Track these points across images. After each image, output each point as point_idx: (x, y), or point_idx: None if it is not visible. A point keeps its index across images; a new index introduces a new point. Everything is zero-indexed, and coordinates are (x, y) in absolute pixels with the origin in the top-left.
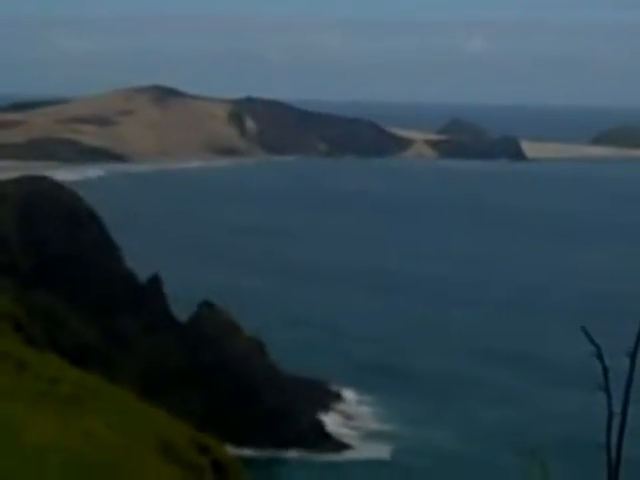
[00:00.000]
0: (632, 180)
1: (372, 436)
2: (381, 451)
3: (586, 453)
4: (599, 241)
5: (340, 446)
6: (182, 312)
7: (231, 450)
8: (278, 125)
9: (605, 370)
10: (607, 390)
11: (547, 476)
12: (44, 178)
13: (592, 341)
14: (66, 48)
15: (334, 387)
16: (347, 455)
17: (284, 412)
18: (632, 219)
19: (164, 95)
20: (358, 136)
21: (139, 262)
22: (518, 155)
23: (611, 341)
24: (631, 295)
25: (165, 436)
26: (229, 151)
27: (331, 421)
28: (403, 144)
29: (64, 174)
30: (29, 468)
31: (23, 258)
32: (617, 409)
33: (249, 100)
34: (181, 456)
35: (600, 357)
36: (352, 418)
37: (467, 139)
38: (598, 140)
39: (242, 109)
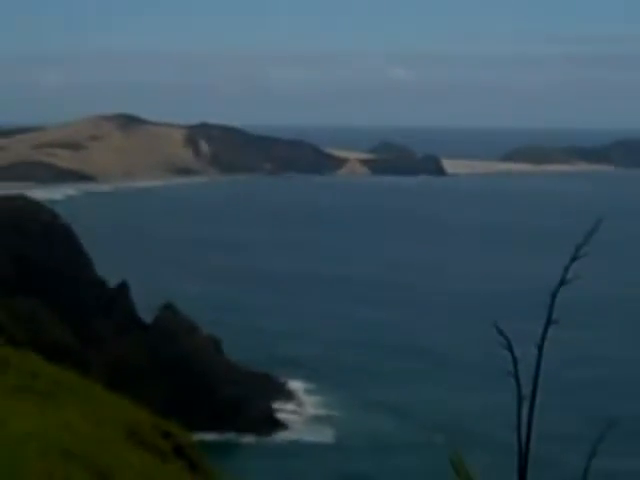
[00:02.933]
0: (536, 192)
1: (314, 420)
2: (323, 434)
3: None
4: (503, 245)
5: (287, 430)
6: (146, 314)
7: (191, 435)
8: (228, 147)
9: (514, 360)
10: (516, 378)
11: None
12: (23, 197)
13: (503, 334)
14: (40, 81)
15: (283, 377)
16: (292, 437)
17: (238, 401)
18: (532, 227)
19: (128, 122)
20: (299, 156)
21: (107, 270)
22: (439, 171)
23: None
24: (526, 293)
25: (131, 423)
26: (185, 171)
27: (279, 408)
28: (339, 163)
29: (41, 193)
30: (12, 454)
31: (5, 268)
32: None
33: (203, 125)
34: (146, 441)
35: (510, 349)
36: (298, 405)
37: (394, 158)
38: (508, 157)
39: (197, 133)
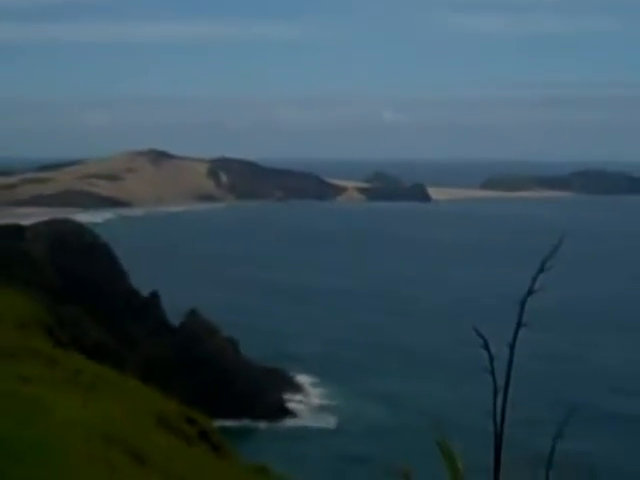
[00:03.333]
0: (506, 215)
1: (319, 409)
2: (325, 420)
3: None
4: (478, 260)
5: (295, 417)
6: (174, 318)
7: (213, 422)
8: (244, 178)
9: (491, 357)
10: (492, 372)
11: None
12: (68, 220)
13: (480, 335)
14: (84, 121)
15: (292, 372)
16: (300, 423)
17: (253, 393)
18: (503, 244)
19: (158, 156)
20: (304, 185)
21: (140, 281)
22: (425, 198)
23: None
24: (499, 300)
25: (161, 412)
26: (207, 198)
27: (288, 399)
28: (338, 191)
29: (84, 217)
30: (59, 439)
31: (54, 280)
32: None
33: (222, 159)
34: (174, 427)
35: (487, 347)
36: (304, 396)
37: (387, 186)
38: (483, 185)
39: (217, 166)
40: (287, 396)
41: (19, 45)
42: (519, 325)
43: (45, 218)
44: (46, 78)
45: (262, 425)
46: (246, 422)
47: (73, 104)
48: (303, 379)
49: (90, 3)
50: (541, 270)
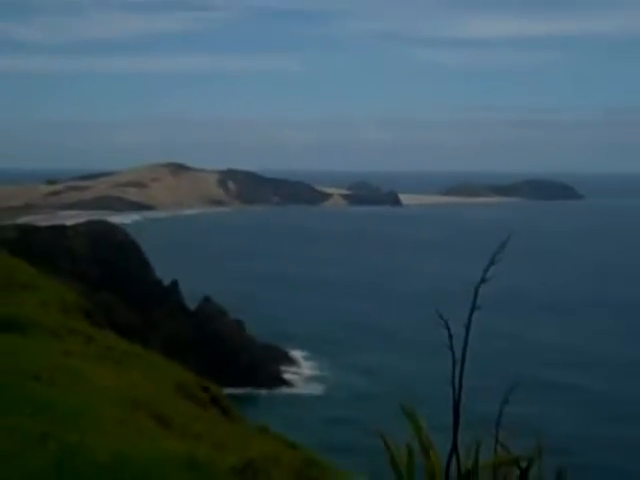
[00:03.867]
0: (465, 217)
1: (310, 379)
2: (316, 389)
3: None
4: (441, 254)
5: (290, 386)
6: (191, 303)
7: (222, 390)
8: (248, 186)
9: (450, 336)
10: (451, 348)
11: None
12: (104, 221)
13: (441, 317)
14: (115, 139)
15: (287, 348)
16: (294, 391)
17: (255, 365)
18: (462, 241)
19: (177, 168)
20: (298, 192)
21: (162, 272)
22: (397, 203)
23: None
24: (458, 288)
25: (180, 381)
26: (218, 203)
27: (284, 370)
28: (326, 197)
29: (116, 219)
30: (95, 404)
31: (91, 271)
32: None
33: (230, 171)
34: (190, 394)
35: (447, 327)
36: (297, 368)
37: (366, 193)
38: (446, 192)
39: (226, 176)
40: (283, 368)
41: (61, 75)
42: (473, 308)
43: (84, 219)
44: (88, 104)
45: (262, 392)
46: (249, 390)
47: (108, 125)
48: (297, 354)
49: (121, 41)
50: (492, 263)
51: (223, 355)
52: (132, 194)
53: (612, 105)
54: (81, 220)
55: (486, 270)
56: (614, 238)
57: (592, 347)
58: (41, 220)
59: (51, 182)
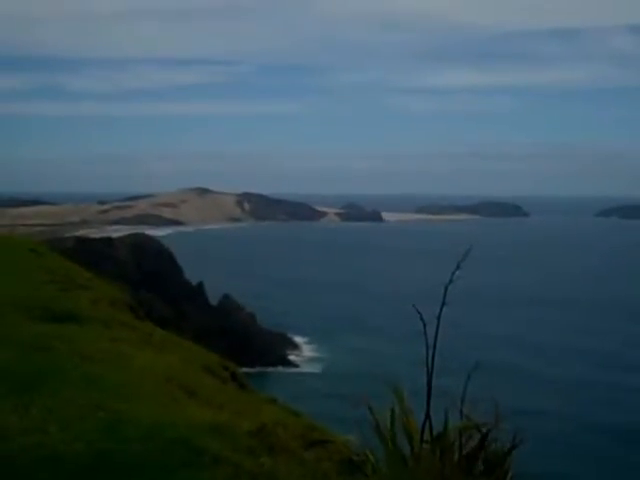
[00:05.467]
0: (434, 231)
1: (310, 360)
2: (316, 367)
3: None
4: (415, 261)
5: (294, 366)
6: (213, 300)
7: (239, 368)
8: (260, 205)
9: (424, 325)
10: (425, 335)
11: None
12: (143, 234)
13: (417, 310)
14: (152, 167)
15: (291, 335)
16: (298, 370)
17: (265, 349)
18: (431, 250)
19: (202, 192)
20: (300, 211)
21: (191, 275)
22: (379, 219)
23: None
24: (429, 288)
25: (205, 362)
26: (235, 219)
27: (289, 353)
28: (322, 214)
29: (153, 232)
30: (137, 380)
31: (134, 274)
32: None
33: (246, 194)
34: (214, 372)
35: (421, 319)
36: (300, 351)
37: (354, 212)
38: (419, 210)
39: (242, 198)
40: (288, 351)
41: (110, 117)
42: (443, 304)
43: (128, 233)
44: (131, 140)
45: (272, 371)
46: (261, 369)
47: (147, 157)
48: (299, 340)
49: (157, 90)
50: (457, 267)
51: (240, 341)
52: (166, 212)
53: (552, 140)
54: (125, 233)
55: (453, 273)
56: (553, 248)
57: (533, 337)
58: (93, 233)
59: (101, 202)
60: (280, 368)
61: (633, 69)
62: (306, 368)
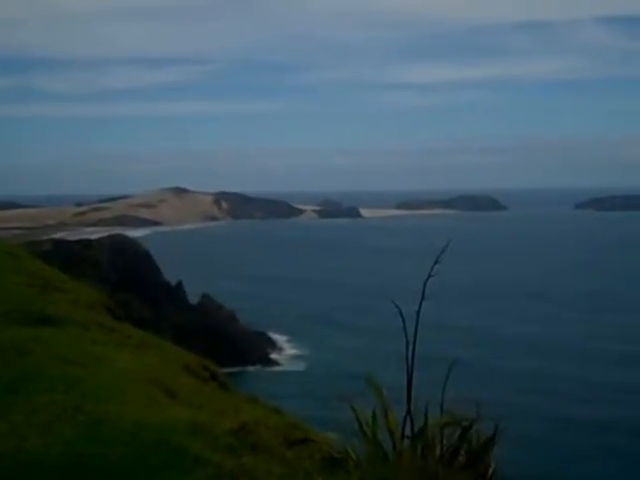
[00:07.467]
0: (412, 226)
1: (292, 358)
2: (298, 365)
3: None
4: (394, 257)
5: (276, 364)
6: (193, 299)
7: (219, 368)
8: (237, 204)
9: (403, 321)
10: (405, 331)
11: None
12: (121, 235)
13: (396, 305)
14: (131, 171)
15: (272, 334)
16: (279, 369)
17: (247, 348)
18: (411, 245)
19: (180, 191)
20: (277, 208)
21: (169, 274)
22: (358, 215)
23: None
24: (407, 283)
25: (185, 362)
26: (213, 218)
27: (271, 351)
28: (300, 211)
29: (131, 233)
30: (117, 381)
31: (111, 275)
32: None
33: (222, 192)
34: (194, 372)
35: (400, 314)
36: (281, 350)
37: (332, 208)
38: (398, 206)
39: (219, 197)
40: (270, 350)
41: (82, 119)
42: (422, 298)
43: (106, 234)
44: (106, 141)
45: (253, 370)
46: (241, 368)
47: (123, 157)
48: (280, 338)
49: (131, 90)
50: (436, 262)
51: (220, 340)
52: (144, 213)
53: (528, 134)
54: (103, 235)
55: (432, 268)
56: (530, 240)
57: (506, 329)
58: (70, 235)
59: (79, 204)
60: (261, 367)
61: (603, 60)
62: (288, 366)
